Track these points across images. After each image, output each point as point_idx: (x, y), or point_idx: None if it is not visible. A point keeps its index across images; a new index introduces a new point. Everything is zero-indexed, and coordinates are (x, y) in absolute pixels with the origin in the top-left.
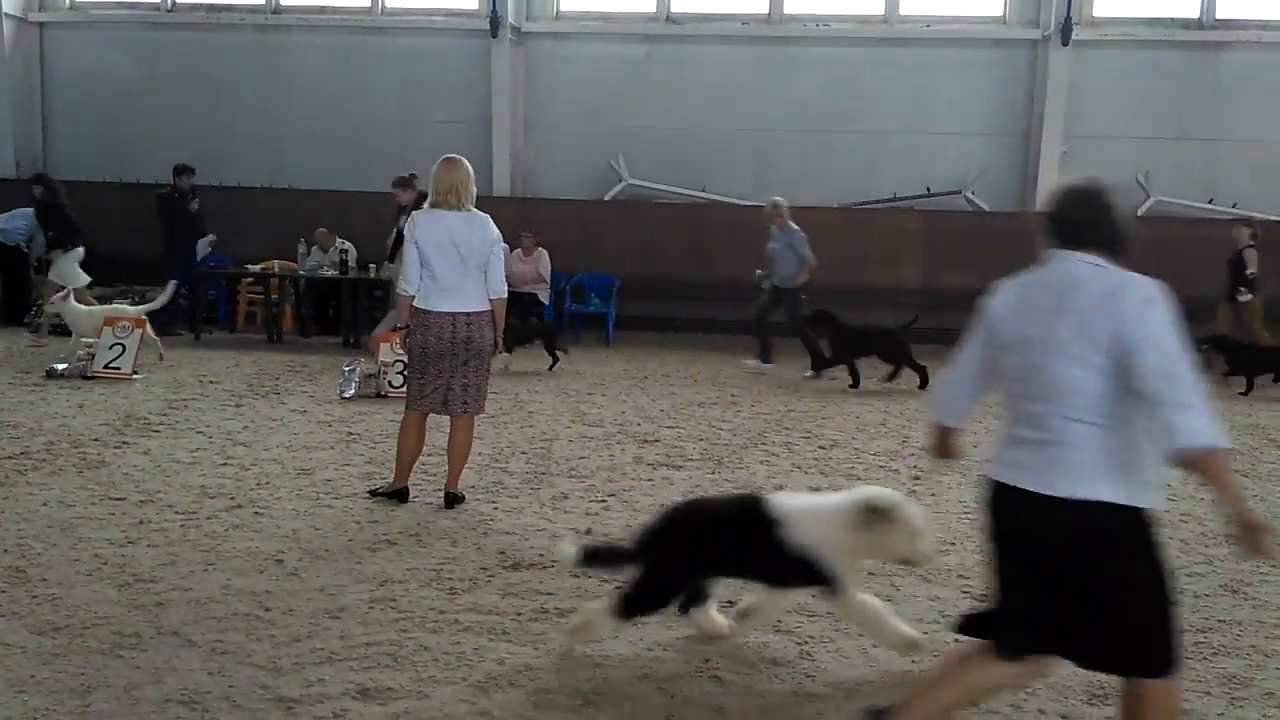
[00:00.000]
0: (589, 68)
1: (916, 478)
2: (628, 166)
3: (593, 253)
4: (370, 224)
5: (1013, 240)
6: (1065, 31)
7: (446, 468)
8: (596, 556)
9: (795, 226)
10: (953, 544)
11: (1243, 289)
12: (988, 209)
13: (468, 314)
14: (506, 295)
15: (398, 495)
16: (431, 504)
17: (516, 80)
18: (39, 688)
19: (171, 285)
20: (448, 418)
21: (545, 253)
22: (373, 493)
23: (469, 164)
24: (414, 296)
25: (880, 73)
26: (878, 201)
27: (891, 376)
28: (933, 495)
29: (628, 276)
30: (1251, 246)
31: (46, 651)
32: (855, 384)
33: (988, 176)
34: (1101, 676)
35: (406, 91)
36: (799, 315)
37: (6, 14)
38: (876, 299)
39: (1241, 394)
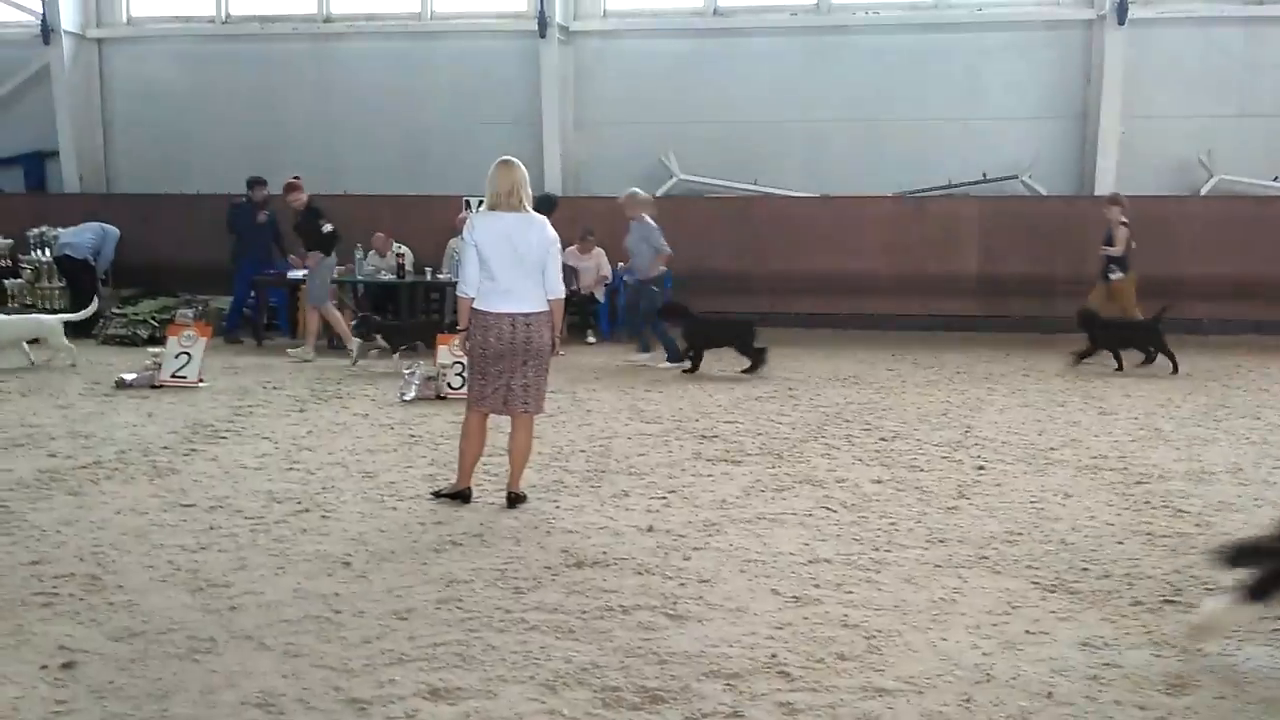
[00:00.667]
0: (638, 64)
1: (980, 468)
2: (679, 162)
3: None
4: (426, 227)
5: (1072, 224)
6: (1121, 10)
7: (508, 468)
8: (1244, 554)
9: (650, 219)
10: (1020, 535)
11: (1114, 267)
12: (1045, 193)
13: (526, 314)
14: (564, 295)
15: (460, 496)
16: (494, 504)
17: (566, 79)
18: (118, 693)
19: (95, 301)
20: (508, 418)
21: (602, 251)
22: (436, 494)
23: (524, 166)
24: (473, 298)
25: (932, 58)
26: (932, 189)
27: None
28: (997, 486)
29: (680, 272)
30: (1123, 224)
31: (124, 657)
32: (693, 369)
33: (1044, 160)
34: (1176, 666)
35: (457, 94)
36: (654, 307)
37: (66, 31)
38: (934, 287)
39: (1117, 370)
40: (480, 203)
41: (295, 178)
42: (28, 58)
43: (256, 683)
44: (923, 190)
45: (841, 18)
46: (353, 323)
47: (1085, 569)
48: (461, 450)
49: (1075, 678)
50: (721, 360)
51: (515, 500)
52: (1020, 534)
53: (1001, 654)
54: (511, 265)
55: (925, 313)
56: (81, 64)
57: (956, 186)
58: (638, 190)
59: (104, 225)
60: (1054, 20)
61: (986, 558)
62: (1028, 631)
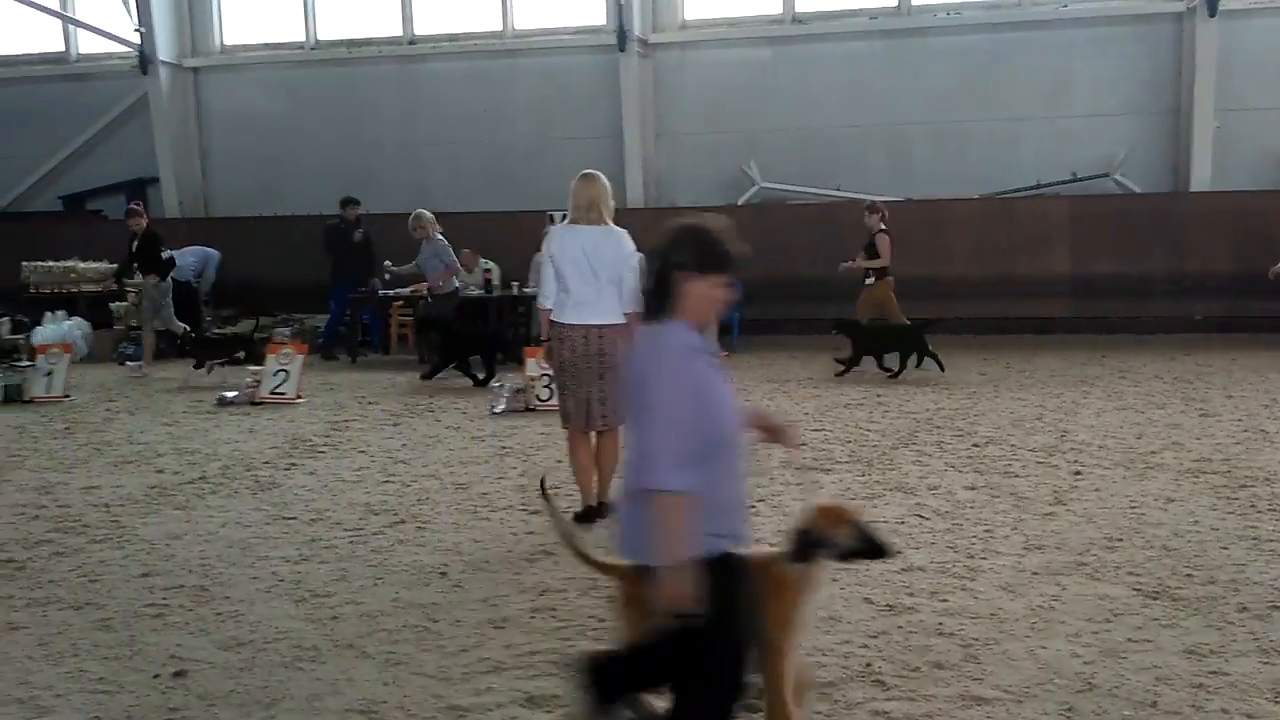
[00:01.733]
0: (717, 74)
1: (1078, 473)
2: (760, 170)
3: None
4: (510, 243)
5: (1167, 222)
6: (1212, 2)
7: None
8: None
9: (440, 236)
10: (1120, 540)
11: (871, 274)
12: (1139, 190)
13: (599, 326)
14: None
15: (588, 515)
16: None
17: (645, 91)
18: (227, 700)
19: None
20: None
21: None
22: (575, 516)
23: (606, 179)
24: (551, 310)
25: (1016, 57)
26: (1020, 190)
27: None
28: (1096, 491)
29: (763, 280)
30: (884, 232)
31: (233, 666)
32: (430, 376)
33: (1136, 157)
34: None
35: (538, 110)
36: (438, 319)
37: (163, 61)
38: (1024, 289)
39: (892, 376)
40: (564, 216)
41: (135, 203)
42: (127, 88)
43: (359, 690)
44: (1010, 191)
45: (922, 19)
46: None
47: (1189, 575)
48: (573, 469)
49: (1180, 686)
50: (807, 367)
51: (594, 514)
52: (1120, 540)
53: (1103, 662)
54: (587, 278)
55: (1016, 315)
56: (178, 92)
57: (1045, 186)
58: (424, 211)
59: (205, 248)
60: (1143, 14)
61: (1085, 564)
62: (1130, 639)
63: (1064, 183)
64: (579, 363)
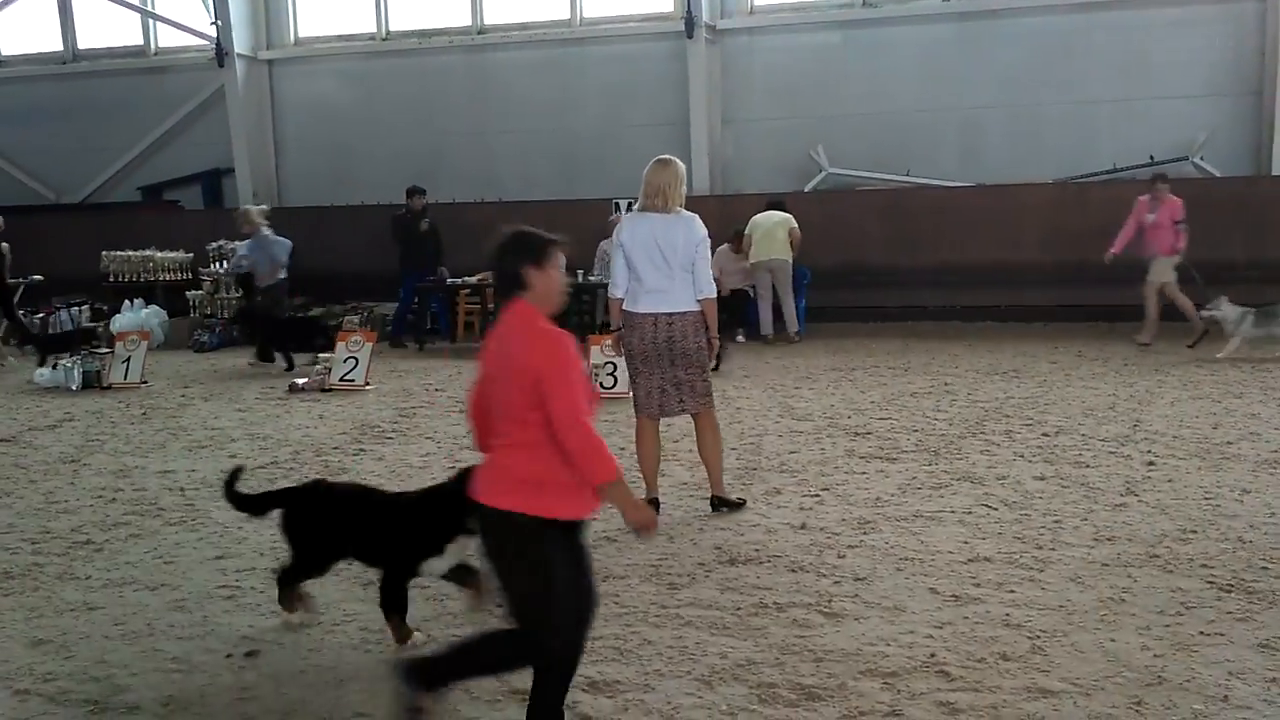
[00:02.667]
0: (785, 59)
1: (1150, 463)
2: (828, 155)
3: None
4: (577, 231)
5: (1248, 206)
6: None
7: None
8: None
9: (267, 231)
10: (1194, 532)
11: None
12: (1219, 174)
13: (669, 314)
14: (715, 295)
15: (649, 505)
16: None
17: (713, 78)
18: (297, 681)
19: None
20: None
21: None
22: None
23: (680, 165)
24: (622, 299)
25: (1091, 38)
26: (1096, 174)
27: (290, 366)
28: (1169, 482)
29: (831, 266)
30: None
31: (302, 646)
32: (290, 367)
33: (1217, 140)
34: None
35: (606, 98)
36: (270, 311)
37: (239, 54)
38: (1098, 276)
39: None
40: (630, 204)
41: None
42: (204, 81)
43: None
44: (1085, 175)
45: (996, 1)
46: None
47: (1265, 568)
48: (639, 458)
49: (1253, 680)
50: (874, 355)
51: (718, 504)
52: (1194, 532)
53: (1174, 655)
54: (659, 265)
55: (1089, 303)
56: (253, 84)
57: (1122, 170)
58: (250, 207)
59: (279, 237)
60: None
61: (1158, 556)
62: (1202, 633)
63: (1141, 166)
64: (649, 351)
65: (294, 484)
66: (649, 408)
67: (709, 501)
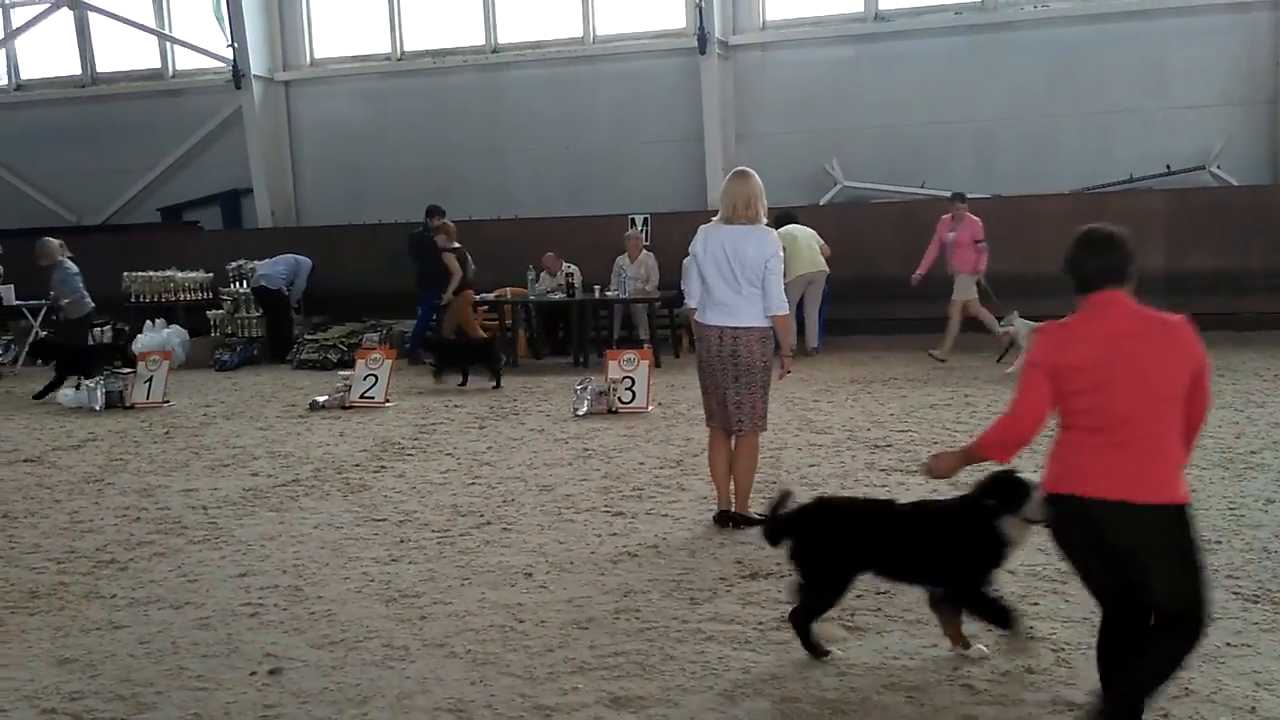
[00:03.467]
0: (798, 73)
1: None
2: (842, 169)
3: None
4: (591, 247)
5: (1266, 215)
6: None
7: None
8: None
9: (69, 262)
10: (1218, 543)
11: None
12: (1236, 183)
13: (734, 328)
14: (787, 312)
15: (721, 519)
16: (668, 516)
17: (726, 93)
18: (321, 698)
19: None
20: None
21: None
22: (714, 518)
23: (758, 177)
24: (696, 310)
25: (1106, 49)
26: (1113, 184)
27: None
28: (1193, 492)
29: (846, 280)
30: (454, 250)
31: (326, 664)
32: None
33: (1234, 149)
34: None
35: (619, 115)
36: (72, 342)
37: (255, 75)
38: None
39: (460, 385)
40: (644, 220)
41: None
42: (221, 102)
43: (448, 689)
44: (1102, 186)
45: (1009, 14)
46: None
47: None
48: (710, 469)
49: None
50: (891, 367)
51: (735, 520)
52: (1219, 542)
53: (1200, 667)
54: (725, 278)
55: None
56: (270, 105)
57: (1138, 180)
58: (49, 239)
59: (297, 256)
60: (1238, 2)
61: None
62: (1229, 644)
63: (1158, 176)
64: (714, 363)
65: (786, 508)
66: (718, 419)
67: (716, 516)
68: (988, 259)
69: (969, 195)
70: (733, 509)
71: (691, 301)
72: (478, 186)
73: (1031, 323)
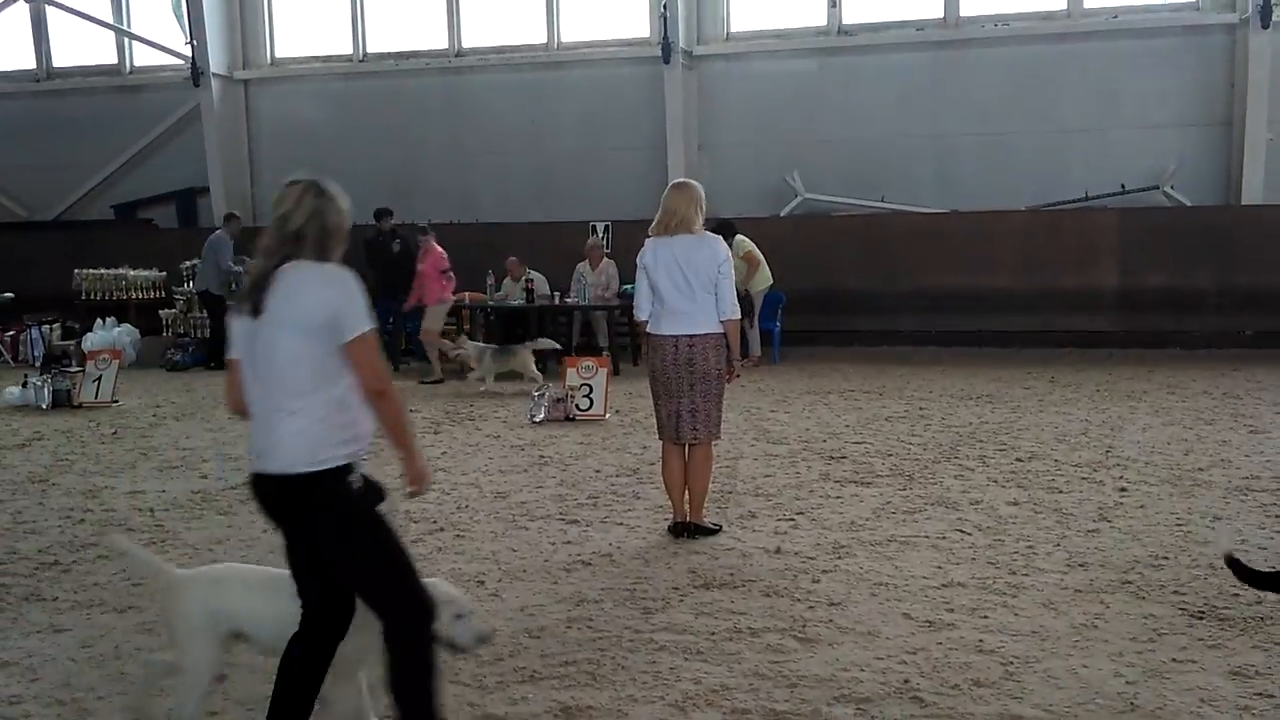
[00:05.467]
0: (761, 85)
1: (1123, 489)
2: (803, 181)
3: (771, 269)
4: (555, 253)
5: (1217, 235)
6: (1265, 13)
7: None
8: None
9: None
10: (1166, 559)
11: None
12: (1189, 203)
13: (690, 336)
14: (739, 318)
15: (677, 530)
16: (622, 525)
17: (689, 103)
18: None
19: None
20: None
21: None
22: (668, 529)
23: (698, 187)
24: (647, 321)
25: (1065, 69)
26: (1068, 202)
27: None
28: (1141, 508)
29: (806, 291)
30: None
31: (271, 671)
32: None
33: (1188, 170)
34: None
35: (583, 122)
36: None
37: (214, 74)
38: (1071, 303)
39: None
40: (605, 227)
41: None
42: (179, 100)
43: None
44: (1058, 203)
45: (970, 31)
46: None
47: (1236, 595)
48: (664, 482)
49: (1225, 708)
50: (849, 379)
51: (682, 529)
52: (1166, 558)
53: (1146, 682)
54: (679, 287)
55: (1062, 329)
56: (229, 104)
57: (1094, 199)
58: None
59: (209, 240)
60: (1194, 25)
61: (1130, 582)
62: (1174, 659)
63: (1113, 195)
64: (670, 372)
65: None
66: (669, 430)
67: (671, 527)
68: (454, 288)
69: (928, 209)
70: (688, 519)
71: (641, 314)
72: (439, 190)
73: (483, 345)
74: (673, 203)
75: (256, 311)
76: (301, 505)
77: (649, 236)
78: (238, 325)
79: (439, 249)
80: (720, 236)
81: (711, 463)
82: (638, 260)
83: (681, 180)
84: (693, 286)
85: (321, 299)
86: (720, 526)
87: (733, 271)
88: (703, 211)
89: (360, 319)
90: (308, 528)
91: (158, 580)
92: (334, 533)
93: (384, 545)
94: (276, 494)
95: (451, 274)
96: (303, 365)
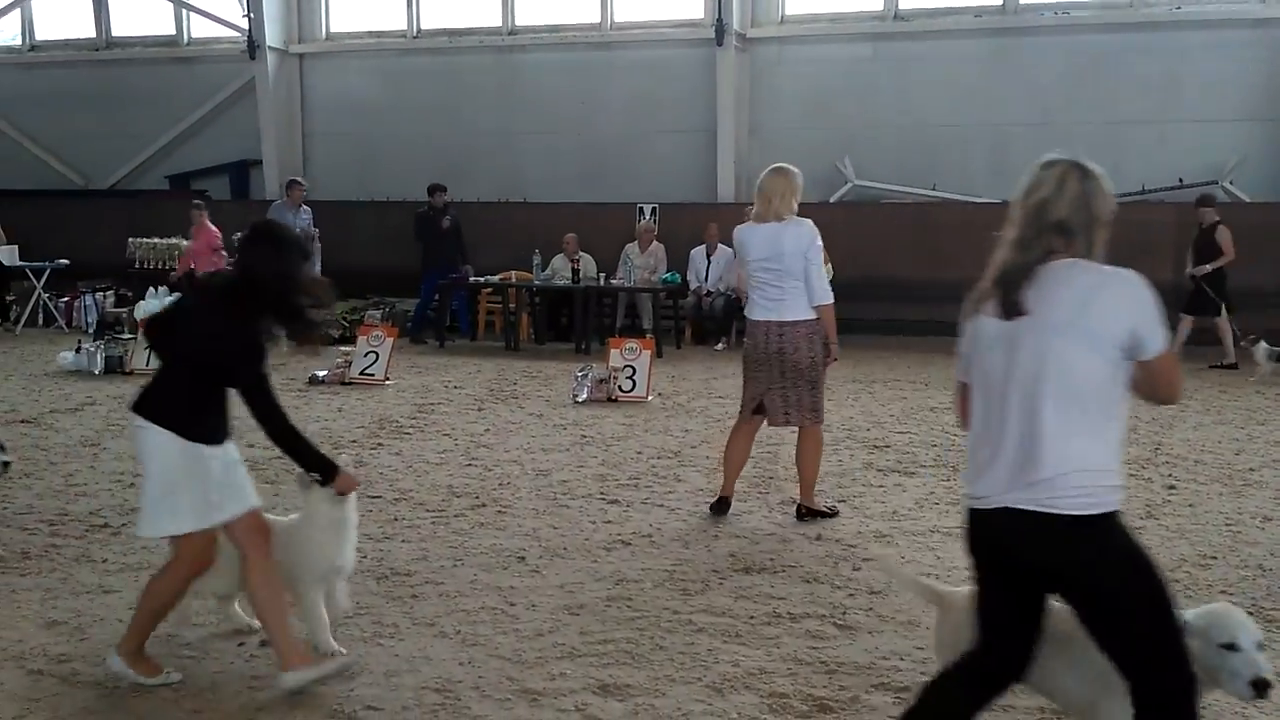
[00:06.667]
0: (814, 70)
1: (1171, 487)
2: (854, 167)
3: None
4: (602, 234)
5: (1277, 232)
6: None
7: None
8: None
9: None
10: (1213, 558)
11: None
12: (1248, 199)
13: (780, 323)
14: (832, 302)
15: (718, 505)
16: (663, 506)
17: (741, 86)
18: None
19: None
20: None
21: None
22: (711, 506)
23: (796, 173)
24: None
25: (1125, 60)
26: (1124, 195)
27: None
28: (1189, 506)
29: (853, 279)
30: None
31: None
32: None
33: (1249, 165)
34: None
35: (634, 103)
36: None
37: (270, 47)
38: None
39: None
40: (653, 210)
41: None
42: (235, 72)
43: (435, 669)
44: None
45: (1029, 19)
46: None
47: None
48: (725, 455)
49: (1271, 711)
50: (894, 369)
51: (801, 513)
52: (1214, 558)
53: None
54: (772, 273)
55: None
56: (284, 78)
57: (1150, 193)
58: None
59: (272, 212)
60: (1259, 18)
61: (1177, 581)
62: None
63: (1170, 189)
64: (759, 358)
65: None
66: (745, 410)
67: (714, 505)
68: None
69: (981, 199)
70: (730, 493)
71: (747, 300)
72: (488, 168)
73: None
74: (767, 188)
75: (1014, 313)
76: (1073, 553)
77: (740, 224)
78: (979, 326)
79: (213, 228)
80: (808, 220)
81: (819, 447)
82: (734, 246)
83: (778, 166)
84: (782, 273)
85: (1120, 309)
86: (837, 510)
87: (821, 257)
88: (798, 196)
89: (1162, 333)
90: (1067, 578)
91: (933, 601)
92: (1104, 585)
93: (1158, 599)
94: (1028, 536)
95: (224, 252)
96: (1101, 384)
